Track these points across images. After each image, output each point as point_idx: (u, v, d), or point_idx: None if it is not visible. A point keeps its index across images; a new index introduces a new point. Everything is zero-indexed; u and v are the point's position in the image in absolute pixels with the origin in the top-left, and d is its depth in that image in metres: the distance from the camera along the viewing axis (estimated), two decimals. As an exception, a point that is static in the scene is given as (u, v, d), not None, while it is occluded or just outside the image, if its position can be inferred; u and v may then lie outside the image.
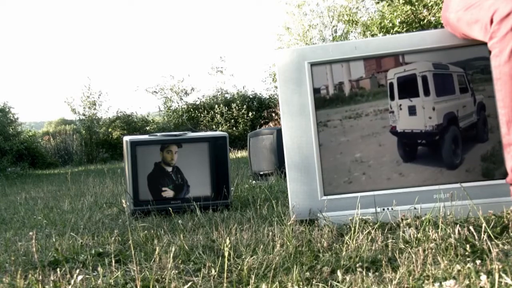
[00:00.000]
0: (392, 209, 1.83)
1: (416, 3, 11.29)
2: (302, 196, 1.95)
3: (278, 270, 1.32)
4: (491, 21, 1.51)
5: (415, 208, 1.79)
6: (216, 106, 14.49)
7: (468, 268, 1.16)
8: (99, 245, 1.83)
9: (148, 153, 2.51)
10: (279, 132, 3.82)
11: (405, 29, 11.31)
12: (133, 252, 1.51)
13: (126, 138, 2.55)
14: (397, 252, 1.38)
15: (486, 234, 1.42)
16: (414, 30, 10.99)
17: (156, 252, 1.52)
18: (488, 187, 1.84)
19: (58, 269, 1.43)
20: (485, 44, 1.59)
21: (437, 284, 1.08)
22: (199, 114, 14.68)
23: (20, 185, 6.00)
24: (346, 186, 1.94)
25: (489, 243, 1.34)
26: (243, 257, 1.46)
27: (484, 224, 1.45)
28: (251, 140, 4.39)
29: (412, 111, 1.94)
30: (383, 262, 1.30)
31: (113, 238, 1.84)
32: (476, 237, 1.41)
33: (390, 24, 11.66)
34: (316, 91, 1.99)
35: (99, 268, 1.37)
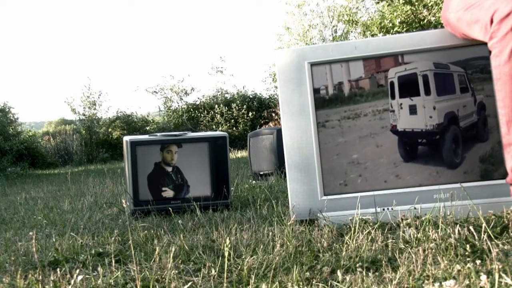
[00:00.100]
0: (392, 209, 1.83)
1: (416, 3, 11.28)
2: (302, 196, 1.95)
3: (278, 270, 1.32)
4: (491, 21, 1.51)
5: (415, 208, 1.79)
6: (216, 106, 14.49)
7: (468, 268, 1.16)
8: (99, 245, 1.83)
9: (148, 153, 2.51)
10: (279, 132, 3.82)
11: (405, 29, 11.31)
12: (133, 252, 1.51)
13: (126, 138, 2.55)
14: (397, 252, 1.38)
15: (486, 234, 1.42)
16: (414, 30, 10.99)
17: (156, 252, 1.52)
18: (488, 187, 1.84)
19: (58, 269, 1.43)
20: (485, 44, 1.59)
21: (437, 284, 1.08)
22: (199, 114, 14.68)
23: (20, 185, 6.00)
24: (342, 188, 1.94)
25: (489, 243, 1.34)
26: (243, 257, 1.46)
27: (484, 224, 1.45)
28: (251, 140, 4.39)
29: (412, 110, 1.94)
30: (383, 262, 1.30)
31: (113, 238, 1.84)
32: (476, 237, 1.41)
33: (390, 24, 11.65)
34: (316, 91, 1.99)
35: (99, 268, 1.37)
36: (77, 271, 1.38)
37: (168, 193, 2.51)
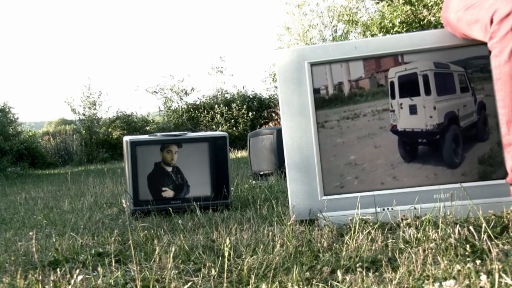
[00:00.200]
0: (392, 209, 1.83)
1: (416, 3, 11.28)
2: (302, 196, 1.95)
3: (278, 270, 1.32)
4: (491, 21, 1.51)
5: (415, 208, 1.79)
6: (216, 106, 14.49)
7: (468, 268, 1.16)
8: (99, 245, 1.83)
9: (148, 153, 2.51)
10: (279, 132, 3.82)
11: (405, 29, 11.31)
12: (133, 252, 1.51)
13: (126, 138, 2.55)
14: (397, 252, 1.38)
15: (486, 234, 1.42)
16: (414, 30, 10.99)
17: (156, 252, 1.52)
18: (488, 187, 1.84)
19: (58, 269, 1.43)
20: (485, 43, 1.59)
21: (437, 284, 1.08)
22: (199, 114, 14.68)
23: (20, 185, 6.00)
24: (340, 189, 1.94)
25: (489, 243, 1.34)
26: (243, 257, 1.46)
27: (484, 224, 1.45)
28: (251, 140, 4.39)
29: (413, 110, 1.94)
30: (383, 262, 1.30)
31: (113, 238, 1.84)
32: (476, 237, 1.41)
33: (390, 24, 11.65)
34: (316, 91, 1.98)
35: (99, 268, 1.37)
36: (77, 271, 1.38)
37: (168, 193, 2.51)
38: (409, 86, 1.95)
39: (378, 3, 12.88)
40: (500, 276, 1.09)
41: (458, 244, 1.37)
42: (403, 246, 1.44)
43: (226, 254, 1.34)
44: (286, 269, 1.33)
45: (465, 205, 1.75)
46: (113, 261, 1.47)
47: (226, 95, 15.51)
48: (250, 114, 14.19)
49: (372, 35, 12.24)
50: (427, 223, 1.60)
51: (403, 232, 1.56)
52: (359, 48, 1.96)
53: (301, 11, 16.14)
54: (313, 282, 1.23)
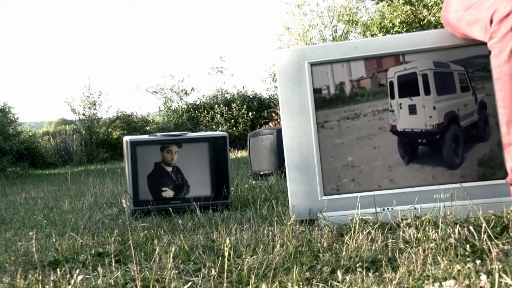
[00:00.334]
0: (392, 209, 1.83)
1: (416, 3, 11.29)
2: (302, 196, 1.95)
3: (278, 270, 1.32)
4: (491, 21, 1.51)
5: (415, 208, 1.79)
6: (216, 106, 14.49)
7: (468, 268, 1.16)
8: (99, 245, 1.83)
9: (148, 153, 2.51)
10: (279, 132, 3.82)
11: (405, 29, 11.31)
12: (133, 252, 1.51)
13: (126, 138, 2.55)
14: (397, 252, 1.38)
15: (486, 234, 1.42)
16: (414, 30, 10.99)
17: (156, 252, 1.52)
18: (488, 187, 1.84)
19: (58, 269, 1.43)
20: (485, 43, 1.59)
21: (437, 284, 1.08)
22: (199, 114, 14.68)
23: (20, 185, 6.00)
24: (335, 192, 1.94)
25: (489, 243, 1.34)
26: (243, 257, 1.46)
27: (484, 224, 1.45)
28: (251, 140, 4.39)
29: (412, 110, 1.94)
30: (383, 262, 1.30)
31: (113, 238, 1.84)
32: (476, 237, 1.41)
33: (390, 24, 11.65)
34: (316, 91, 1.98)
35: (99, 268, 1.37)
36: (77, 271, 1.38)
37: (168, 193, 2.51)
38: (408, 86, 1.94)
39: (378, 3, 12.88)
40: (500, 276, 1.09)
41: (458, 244, 1.37)
42: (403, 246, 1.44)
43: (226, 254, 1.34)
44: (286, 269, 1.33)
45: (465, 205, 1.75)
46: (113, 261, 1.47)
47: (226, 95, 15.51)
48: (250, 114, 14.19)
49: (372, 35, 12.25)
50: (427, 223, 1.60)
51: (403, 232, 1.56)
52: (359, 48, 1.96)
53: (301, 11, 16.15)
54: (313, 282, 1.23)
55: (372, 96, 1.97)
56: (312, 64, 1.98)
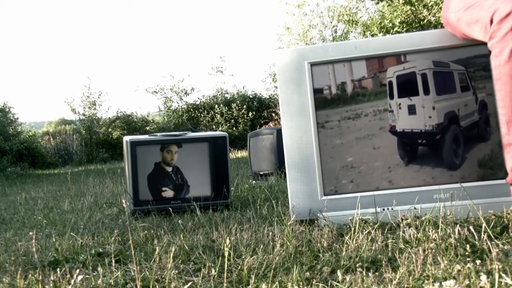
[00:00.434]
0: (392, 209, 1.83)
1: (416, 3, 11.28)
2: (302, 196, 1.95)
3: (278, 270, 1.32)
4: (491, 21, 1.51)
5: (415, 208, 1.79)
6: (216, 106, 14.49)
7: (468, 268, 1.16)
8: (99, 245, 1.83)
9: (148, 153, 2.51)
10: (279, 132, 3.82)
11: (405, 29, 11.30)
12: (133, 252, 1.51)
13: (126, 138, 2.55)
14: (397, 252, 1.38)
15: (486, 234, 1.42)
16: (414, 30, 10.99)
17: (156, 252, 1.52)
18: (488, 187, 1.83)
19: (58, 269, 1.43)
20: (485, 43, 1.59)
21: (437, 284, 1.08)
22: (199, 114, 14.68)
23: (20, 185, 6.00)
24: (334, 193, 1.94)
25: (489, 243, 1.34)
26: (243, 257, 1.46)
27: (484, 224, 1.45)
28: (251, 140, 4.39)
29: (411, 110, 1.94)
30: (383, 262, 1.30)
31: (113, 238, 1.84)
32: (476, 237, 1.41)
33: (390, 24, 11.65)
34: (316, 91, 1.98)
35: (99, 268, 1.37)
36: (77, 271, 1.38)
37: (168, 193, 2.51)
38: (407, 86, 1.94)
39: (378, 3, 12.88)
40: (500, 276, 1.09)
41: (458, 244, 1.37)
42: (403, 246, 1.44)
43: (226, 254, 1.34)
44: (286, 269, 1.33)
45: (465, 205, 1.75)
46: (113, 261, 1.47)
47: (226, 95, 15.51)
48: (250, 114, 14.18)
49: (372, 35, 12.24)
50: (427, 223, 1.60)
51: (403, 232, 1.56)
52: (359, 48, 1.96)
53: (301, 11, 16.15)
54: (313, 282, 1.23)
55: (372, 96, 1.96)
56: (312, 64, 1.98)
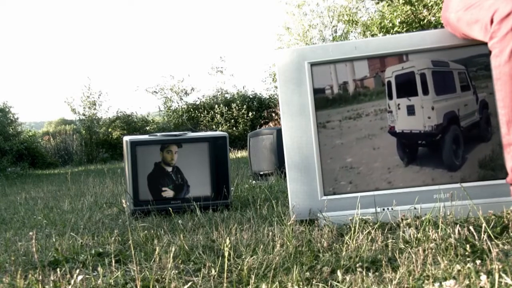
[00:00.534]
0: (392, 209, 1.83)
1: (416, 3, 11.28)
2: (302, 196, 1.95)
3: (278, 270, 1.32)
4: (491, 21, 1.51)
5: (415, 208, 1.79)
6: (216, 106, 14.49)
7: (468, 268, 1.16)
8: (99, 245, 1.83)
9: (148, 153, 2.51)
10: (279, 132, 3.82)
11: (405, 29, 11.30)
12: (133, 252, 1.51)
13: (126, 138, 2.55)
14: (397, 252, 1.38)
15: (486, 234, 1.42)
16: (414, 30, 10.99)
17: (156, 252, 1.52)
18: (488, 187, 1.83)
19: (58, 269, 1.43)
20: (486, 43, 1.59)
21: (437, 284, 1.08)
22: (199, 114, 14.68)
23: (20, 185, 6.00)
24: (332, 194, 1.94)
25: (489, 243, 1.34)
26: (243, 257, 1.46)
27: (484, 224, 1.45)
28: (251, 140, 4.39)
29: (410, 110, 1.93)
30: (383, 262, 1.30)
31: (113, 238, 1.84)
32: (476, 237, 1.41)
33: (390, 24, 11.65)
34: (316, 91, 1.98)
35: (99, 268, 1.37)
36: (77, 271, 1.38)
37: (168, 193, 2.51)
38: (406, 86, 1.94)
39: (378, 3, 12.88)
40: (500, 276, 1.09)
41: (458, 244, 1.37)
42: (403, 246, 1.44)
43: (226, 254, 1.34)
44: (286, 269, 1.33)
45: (465, 205, 1.75)
46: (113, 261, 1.47)
47: (226, 95, 15.51)
48: (250, 114, 14.18)
49: (372, 35, 12.24)
50: (427, 223, 1.60)
51: (403, 232, 1.56)
52: (359, 48, 1.96)
53: (301, 11, 16.15)
54: (313, 282, 1.23)
55: (374, 96, 1.96)
56: (312, 64, 1.98)
